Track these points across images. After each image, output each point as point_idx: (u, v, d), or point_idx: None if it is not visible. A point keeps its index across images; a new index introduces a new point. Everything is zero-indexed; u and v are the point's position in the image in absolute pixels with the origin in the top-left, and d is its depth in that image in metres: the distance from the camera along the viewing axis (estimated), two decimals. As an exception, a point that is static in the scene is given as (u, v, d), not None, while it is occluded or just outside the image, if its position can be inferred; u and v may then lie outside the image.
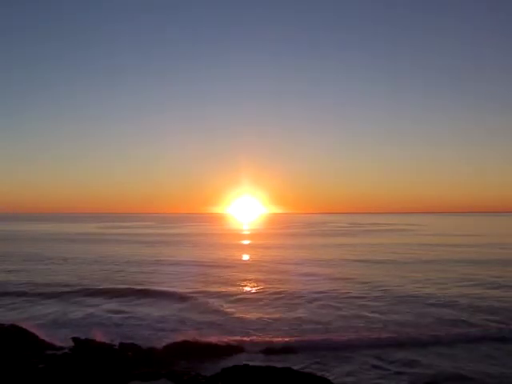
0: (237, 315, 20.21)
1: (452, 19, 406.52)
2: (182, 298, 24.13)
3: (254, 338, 16.44)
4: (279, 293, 25.41)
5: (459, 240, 69.33)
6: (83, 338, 14.54)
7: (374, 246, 56.86)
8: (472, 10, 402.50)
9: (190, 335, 15.95)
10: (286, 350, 15.14)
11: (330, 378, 11.99)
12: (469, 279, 30.19)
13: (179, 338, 15.61)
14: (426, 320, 19.36)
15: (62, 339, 15.54)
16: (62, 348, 14.48)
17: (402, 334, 17.13)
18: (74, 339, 14.25)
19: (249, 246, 62.68)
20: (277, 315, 20.30)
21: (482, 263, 38.91)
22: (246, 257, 47.11)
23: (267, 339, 16.24)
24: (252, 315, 20.31)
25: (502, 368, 13.56)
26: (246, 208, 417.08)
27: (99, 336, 15.25)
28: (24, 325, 16.20)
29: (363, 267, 36.96)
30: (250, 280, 30.49)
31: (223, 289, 27.04)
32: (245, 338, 16.22)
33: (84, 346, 13.69)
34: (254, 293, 26.16)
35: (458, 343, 16.10)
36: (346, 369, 13.48)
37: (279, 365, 12.48)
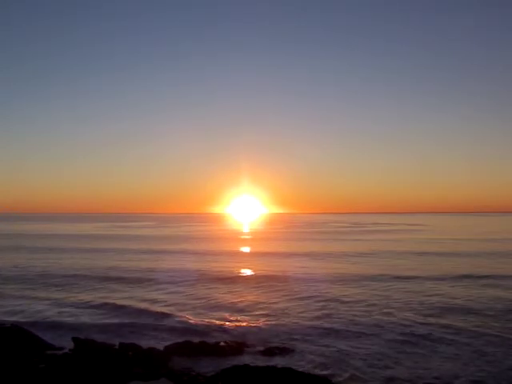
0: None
1: (453, 18, 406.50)
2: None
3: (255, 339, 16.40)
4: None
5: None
6: (83, 337, 14.58)
7: (393, 255, 46.40)
8: (474, 9, 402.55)
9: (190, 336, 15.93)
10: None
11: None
12: None
13: (179, 338, 15.61)
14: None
15: (62, 339, 15.58)
16: (62, 348, 14.53)
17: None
18: (74, 339, 14.27)
19: (246, 253, 53.35)
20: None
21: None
22: (241, 270, 35.20)
23: (267, 340, 16.22)
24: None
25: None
26: (245, 208, 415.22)
27: None
28: (24, 325, 16.26)
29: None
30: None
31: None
32: (245, 339, 16.18)
33: (84, 346, 13.70)
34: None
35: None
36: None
37: (279, 365, 12.47)
